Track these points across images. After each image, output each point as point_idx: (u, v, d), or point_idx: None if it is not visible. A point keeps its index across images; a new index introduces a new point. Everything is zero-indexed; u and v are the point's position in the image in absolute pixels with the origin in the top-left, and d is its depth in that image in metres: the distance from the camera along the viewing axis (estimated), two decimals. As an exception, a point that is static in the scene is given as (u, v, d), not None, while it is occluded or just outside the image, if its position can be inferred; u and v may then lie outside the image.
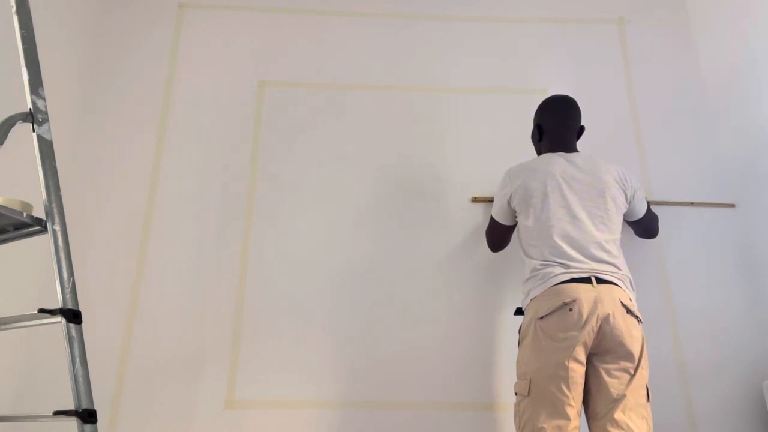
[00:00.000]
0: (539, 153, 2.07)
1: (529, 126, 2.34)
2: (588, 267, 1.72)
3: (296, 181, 2.43)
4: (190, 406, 2.10)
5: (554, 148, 1.99)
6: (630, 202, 1.93)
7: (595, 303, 1.63)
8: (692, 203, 2.41)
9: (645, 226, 2.12)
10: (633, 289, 1.80)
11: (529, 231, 1.85)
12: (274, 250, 2.32)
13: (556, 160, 1.92)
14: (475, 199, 2.40)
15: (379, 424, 2.10)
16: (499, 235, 2.10)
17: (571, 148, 1.99)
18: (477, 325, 2.24)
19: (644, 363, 1.66)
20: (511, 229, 2.05)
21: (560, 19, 2.75)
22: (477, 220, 2.38)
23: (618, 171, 1.93)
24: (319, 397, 2.13)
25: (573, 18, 2.76)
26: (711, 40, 2.61)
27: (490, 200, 2.28)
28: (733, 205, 2.42)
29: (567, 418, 1.58)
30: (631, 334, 1.64)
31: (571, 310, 1.63)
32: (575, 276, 1.70)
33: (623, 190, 1.90)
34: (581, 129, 2.07)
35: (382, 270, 2.30)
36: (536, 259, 1.80)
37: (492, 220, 2.08)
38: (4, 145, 1.24)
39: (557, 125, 2.03)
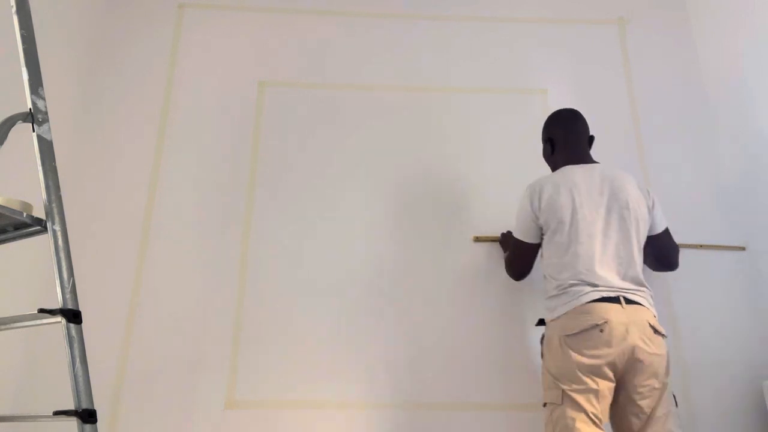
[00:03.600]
0: (554, 166, 2.02)
1: (529, 125, 2.35)
2: (617, 286, 1.72)
3: (296, 180, 2.43)
4: (190, 406, 2.10)
5: (571, 160, 1.95)
6: (651, 212, 1.90)
7: (626, 327, 1.65)
8: (701, 246, 2.34)
9: (664, 248, 1.98)
10: (653, 301, 1.80)
11: (557, 248, 1.82)
12: (273, 249, 2.32)
13: (577, 172, 1.89)
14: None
15: (379, 425, 2.10)
16: (524, 257, 2.01)
17: (588, 159, 1.96)
18: (477, 326, 2.24)
19: (669, 374, 1.71)
20: (536, 248, 1.96)
21: (560, 19, 2.75)
22: (479, 220, 2.38)
23: (636, 180, 1.92)
24: (319, 398, 2.13)
25: (573, 18, 2.76)
26: (711, 40, 2.61)
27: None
28: (743, 248, 2.37)
29: (599, 429, 1.62)
30: (659, 354, 1.68)
31: (602, 331, 1.64)
32: (605, 295, 1.70)
33: (645, 199, 1.88)
34: (591, 138, 2.05)
35: (382, 270, 2.30)
36: (563, 277, 1.78)
37: (515, 243, 2.00)
38: (4, 145, 1.24)
39: (568, 136, 2.01)
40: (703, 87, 2.62)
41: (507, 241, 2.26)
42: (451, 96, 2.59)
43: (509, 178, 2.43)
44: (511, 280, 2.19)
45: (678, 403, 1.75)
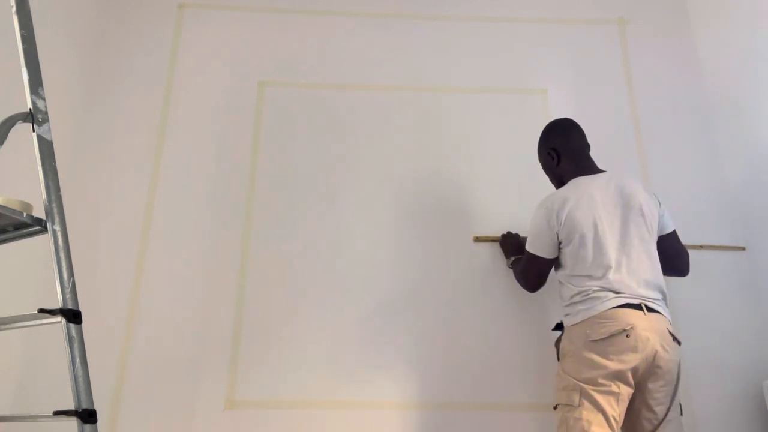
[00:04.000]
0: (561, 177, 1.99)
1: (529, 125, 2.34)
2: (638, 294, 1.73)
3: (296, 180, 2.43)
4: (190, 406, 2.10)
5: (580, 171, 1.93)
6: (659, 209, 1.91)
7: (649, 335, 1.67)
8: (701, 246, 2.33)
9: (673, 249, 1.96)
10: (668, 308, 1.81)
11: (579, 260, 1.80)
12: (273, 250, 2.32)
13: (591, 184, 1.87)
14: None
15: (379, 424, 2.11)
16: (541, 271, 1.97)
17: (595, 169, 1.95)
18: (476, 326, 2.24)
19: (680, 380, 1.75)
20: (553, 261, 1.93)
21: (560, 19, 2.75)
22: (479, 220, 2.38)
23: (642, 185, 1.92)
24: (318, 398, 2.13)
25: (573, 18, 2.76)
26: (711, 40, 2.61)
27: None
28: (743, 249, 2.36)
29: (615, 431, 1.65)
30: (674, 360, 1.72)
31: (628, 336, 1.66)
32: (628, 302, 1.71)
33: (654, 201, 1.90)
34: (588, 147, 2.04)
35: (382, 269, 2.30)
36: (586, 285, 1.77)
37: (531, 259, 1.94)
38: (4, 145, 1.24)
39: (572, 146, 1.99)
40: (703, 87, 2.62)
41: (507, 242, 2.25)
42: (451, 96, 2.59)
43: (509, 178, 2.43)
44: (512, 281, 2.19)
45: (683, 413, 1.78)
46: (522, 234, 2.28)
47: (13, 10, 1.34)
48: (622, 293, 1.73)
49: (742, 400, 2.16)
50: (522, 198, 2.34)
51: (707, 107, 2.59)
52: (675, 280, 2.30)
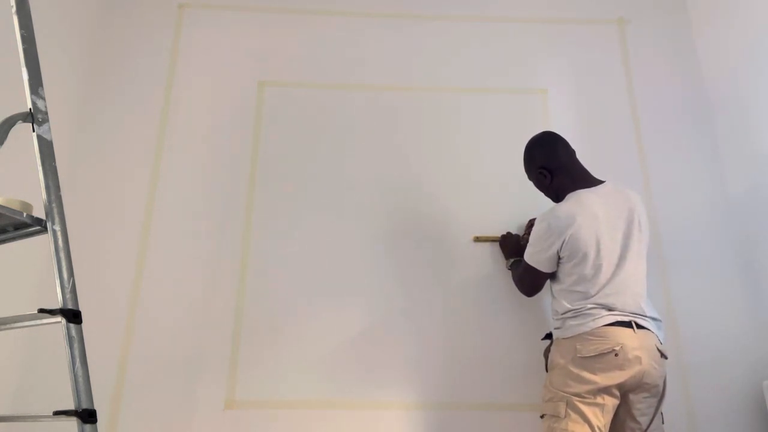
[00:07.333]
0: (557, 193, 1.93)
1: (529, 125, 2.34)
2: (629, 311, 1.75)
3: (296, 180, 2.43)
4: (190, 406, 2.10)
5: (578, 184, 1.89)
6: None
7: (638, 354, 1.69)
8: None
9: None
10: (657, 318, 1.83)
11: (577, 277, 1.79)
12: (274, 249, 2.32)
13: (593, 200, 1.83)
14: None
15: (379, 425, 2.11)
16: (536, 282, 1.96)
17: (594, 180, 1.91)
18: (475, 326, 2.24)
19: (665, 393, 1.79)
20: (550, 275, 1.91)
21: (560, 19, 2.75)
22: (479, 220, 2.38)
23: (635, 193, 1.92)
24: (318, 398, 2.13)
25: (573, 18, 2.76)
26: (711, 40, 2.61)
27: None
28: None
29: None
30: (661, 375, 1.76)
31: (616, 355, 1.68)
32: (619, 319, 1.73)
33: (646, 212, 1.91)
34: None
35: (381, 269, 2.30)
36: (580, 302, 1.78)
37: (531, 270, 1.91)
38: (4, 145, 1.24)
39: (562, 159, 1.94)
40: (703, 87, 2.62)
41: (507, 242, 2.25)
42: (450, 96, 2.59)
43: (509, 178, 2.43)
44: (512, 281, 2.19)
45: (665, 420, 1.82)
46: (521, 233, 2.28)
47: (13, 10, 1.34)
48: (615, 310, 1.74)
49: (742, 400, 2.16)
50: (522, 198, 2.34)
51: (707, 107, 2.59)
52: (676, 282, 2.30)
